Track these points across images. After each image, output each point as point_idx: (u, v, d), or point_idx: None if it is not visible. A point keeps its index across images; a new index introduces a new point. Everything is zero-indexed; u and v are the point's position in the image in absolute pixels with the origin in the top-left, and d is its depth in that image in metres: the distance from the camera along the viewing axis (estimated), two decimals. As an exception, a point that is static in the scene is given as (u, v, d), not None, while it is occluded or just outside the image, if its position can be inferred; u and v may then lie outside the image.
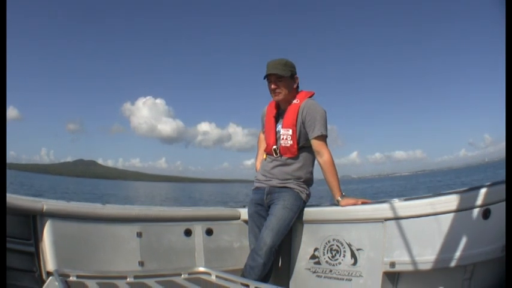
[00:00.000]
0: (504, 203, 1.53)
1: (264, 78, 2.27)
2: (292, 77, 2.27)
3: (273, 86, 2.23)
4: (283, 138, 2.22)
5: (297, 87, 2.32)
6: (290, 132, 2.20)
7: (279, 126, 2.28)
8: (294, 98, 2.28)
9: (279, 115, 2.33)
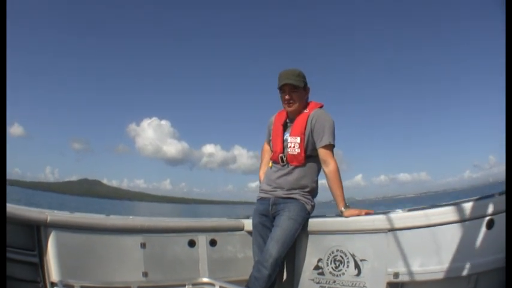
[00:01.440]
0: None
1: (278, 89, 2.30)
2: (305, 87, 2.31)
3: (287, 97, 2.26)
4: (290, 146, 2.23)
5: (307, 97, 2.36)
6: (298, 140, 2.22)
7: (287, 135, 2.29)
8: (304, 108, 2.31)
9: (287, 124, 2.35)
